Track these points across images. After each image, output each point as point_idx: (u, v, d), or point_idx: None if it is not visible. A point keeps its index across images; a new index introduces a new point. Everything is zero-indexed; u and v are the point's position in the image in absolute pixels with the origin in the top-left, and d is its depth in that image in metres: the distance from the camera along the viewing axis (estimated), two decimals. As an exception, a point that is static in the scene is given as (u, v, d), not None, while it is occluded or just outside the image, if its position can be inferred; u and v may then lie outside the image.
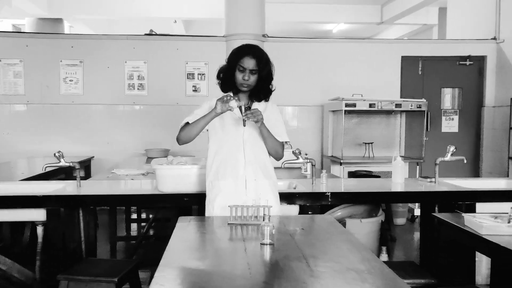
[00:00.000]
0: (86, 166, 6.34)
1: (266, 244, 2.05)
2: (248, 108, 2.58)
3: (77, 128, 6.61)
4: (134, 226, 6.00)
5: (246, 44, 2.71)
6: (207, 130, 2.71)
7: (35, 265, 3.35)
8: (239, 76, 2.59)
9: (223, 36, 6.62)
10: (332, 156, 6.42)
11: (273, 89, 2.73)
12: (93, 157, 6.49)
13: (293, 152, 3.39)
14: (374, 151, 6.38)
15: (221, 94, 2.66)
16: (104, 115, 6.66)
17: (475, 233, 2.31)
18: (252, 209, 2.48)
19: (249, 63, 2.57)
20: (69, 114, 6.59)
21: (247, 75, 2.58)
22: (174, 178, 3.01)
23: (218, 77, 2.71)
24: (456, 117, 7.05)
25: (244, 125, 2.53)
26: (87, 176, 5.95)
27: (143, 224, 6.01)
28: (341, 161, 5.94)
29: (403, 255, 4.84)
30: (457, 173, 6.85)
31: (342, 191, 3.20)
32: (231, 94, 2.61)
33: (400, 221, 6.04)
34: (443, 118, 7.04)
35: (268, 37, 6.70)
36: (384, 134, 6.57)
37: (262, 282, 1.63)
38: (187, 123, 2.66)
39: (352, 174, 6.01)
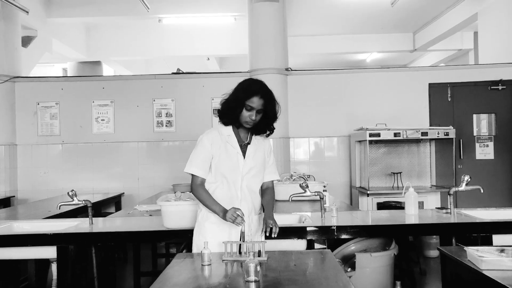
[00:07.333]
0: (116, 202, 6.52)
1: (251, 282, 2.04)
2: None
3: (109, 165, 6.83)
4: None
5: (254, 81, 2.69)
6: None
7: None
8: (245, 114, 2.60)
9: (247, 72, 6.73)
10: (360, 187, 6.30)
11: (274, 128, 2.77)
12: (123, 193, 6.66)
13: (300, 186, 3.34)
14: (405, 181, 6.20)
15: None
16: (134, 152, 6.85)
17: (475, 268, 2.19)
18: (247, 245, 2.47)
19: (258, 103, 2.58)
20: (102, 152, 6.83)
21: (254, 115, 2.60)
22: (177, 214, 3.04)
23: (221, 109, 2.72)
24: (491, 144, 6.77)
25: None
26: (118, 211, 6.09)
27: (171, 259, 6.03)
28: (368, 192, 5.82)
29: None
30: (497, 202, 6.55)
31: (348, 224, 3.11)
32: (241, 215, 2.49)
33: (433, 253, 5.77)
34: (477, 145, 6.78)
35: (292, 70, 6.75)
36: (414, 163, 6.40)
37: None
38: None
39: (381, 205, 5.87)
